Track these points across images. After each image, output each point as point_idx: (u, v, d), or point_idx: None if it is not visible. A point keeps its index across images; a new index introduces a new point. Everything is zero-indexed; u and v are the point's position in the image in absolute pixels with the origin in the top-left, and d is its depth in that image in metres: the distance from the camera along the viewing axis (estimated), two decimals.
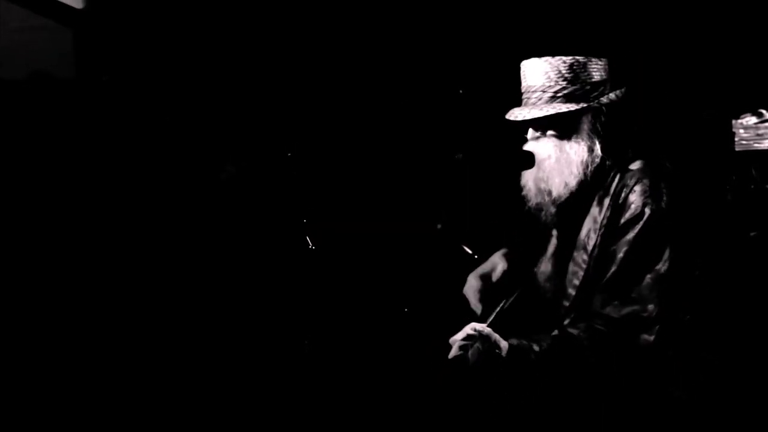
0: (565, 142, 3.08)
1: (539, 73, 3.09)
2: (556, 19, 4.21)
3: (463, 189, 4.10)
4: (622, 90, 3.12)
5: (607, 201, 3.06)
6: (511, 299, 3.16)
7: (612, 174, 3.09)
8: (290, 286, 3.99)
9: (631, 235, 2.98)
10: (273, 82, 4.41)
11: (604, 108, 3.08)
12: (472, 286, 3.28)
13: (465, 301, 3.30)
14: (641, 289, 2.95)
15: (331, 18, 4.39)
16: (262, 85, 4.41)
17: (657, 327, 2.92)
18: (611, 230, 3.02)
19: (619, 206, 3.03)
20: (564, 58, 3.08)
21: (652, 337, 2.91)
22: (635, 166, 3.08)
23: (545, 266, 3.21)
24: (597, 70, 3.10)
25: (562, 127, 3.08)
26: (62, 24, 4.52)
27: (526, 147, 3.14)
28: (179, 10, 4.42)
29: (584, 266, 3.06)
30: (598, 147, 3.08)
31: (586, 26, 4.17)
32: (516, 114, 3.11)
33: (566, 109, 3.04)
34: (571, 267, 3.10)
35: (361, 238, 4.21)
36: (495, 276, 3.29)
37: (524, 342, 2.91)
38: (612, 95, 3.10)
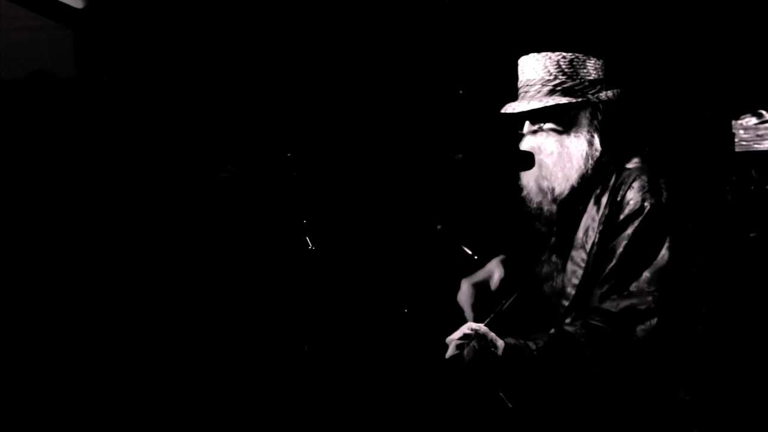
0: (564, 137, 3.08)
1: (539, 67, 3.10)
2: (556, 19, 4.21)
3: (463, 189, 4.10)
4: (617, 91, 3.13)
5: (605, 199, 3.06)
6: (510, 300, 3.16)
7: (610, 172, 3.09)
8: (290, 287, 3.98)
9: (630, 230, 2.98)
10: (273, 81, 4.41)
11: (601, 105, 3.09)
12: (465, 294, 3.26)
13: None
14: (640, 283, 2.94)
15: (331, 18, 4.39)
16: (262, 85, 4.41)
17: (655, 320, 2.91)
18: (610, 228, 3.02)
19: (617, 204, 3.03)
20: (564, 53, 3.10)
21: (649, 331, 2.91)
22: (632, 164, 3.09)
23: (545, 266, 3.21)
24: (595, 69, 3.12)
25: (561, 120, 3.08)
26: (62, 24, 4.52)
27: (525, 142, 3.13)
28: (179, 11, 4.42)
29: (583, 265, 3.06)
30: (597, 141, 3.09)
31: (585, 26, 4.17)
32: (513, 106, 3.11)
33: (566, 101, 3.05)
34: (570, 266, 3.10)
35: (361, 238, 4.21)
36: (493, 284, 3.27)
37: (521, 341, 2.91)
38: (610, 93, 3.11)
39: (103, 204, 4.31)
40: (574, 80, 3.08)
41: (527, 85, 3.12)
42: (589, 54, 3.14)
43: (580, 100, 3.07)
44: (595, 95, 3.09)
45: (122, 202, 4.31)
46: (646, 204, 2.98)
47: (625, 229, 2.98)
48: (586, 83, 3.09)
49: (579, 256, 3.07)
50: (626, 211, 3.00)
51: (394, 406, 3.73)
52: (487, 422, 3.02)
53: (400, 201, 4.26)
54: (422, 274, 4.09)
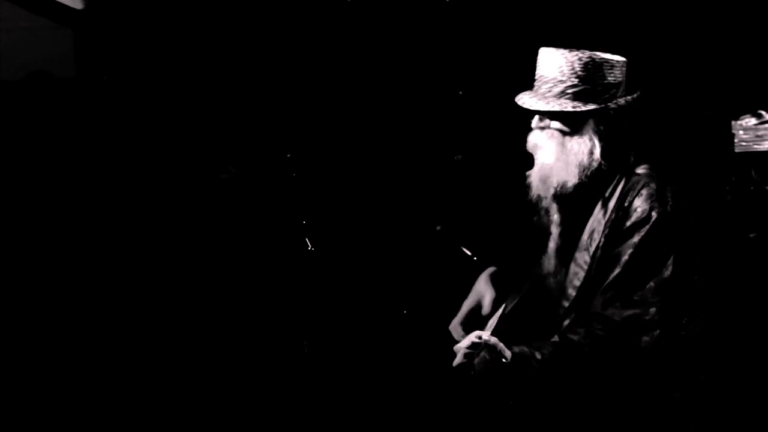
0: (567, 140, 3.06)
1: (553, 65, 3.04)
2: (555, 20, 4.20)
3: (463, 190, 4.10)
4: (635, 95, 3.09)
5: (612, 204, 3.05)
6: (513, 304, 3.16)
7: (617, 178, 3.07)
8: (289, 288, 3.98)
9: (636, 239, 2.97)
10: (272, 82, 4.41)
11: (611, 111, 3.05)
12: (456, 324, 3.24)
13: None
14: (645, 292, 2.93)
15: (331, 19, 4.39)
16: (262, 85, 4.41)
17: (658, 331, 2.91)
18: (616, 233, 3.01)
19: (624, 209, 3.01)
20: (580, 54, 3.02)
21: (652, 341, 2.91)
22: (641, 170, 3.06)
23: (545, 267, 3.20)
24: (612, 72, 3.05)
25: (567, 122, 3.06)
26: (62, 24, 4.52)
27: (532, 136, 3.11)
28: (179, 11, 4.42)
29: (585, 267, 3.05)
30: (598, 151, 3.06)
31: (585, 26, 4.17)
32: (524, 101, 3.08)
33: (572, 109, 3.01)
34: (572, 268, 3.09)
35: (361, 239, 4.21)
36: (485, 309, 3.25)
37: (526, 350, 2.90)
38: (622, 100, 3.06)
39: (103, 204, 4.31)
40: (586, 84, 3.03)
41: (541, 80, 3.09)
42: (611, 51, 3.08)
43: (585, 109, 3.03)
44: (607, 101, 3.05)
45: (122, 203, 4.31)
46: (653, 213, 2.96)
47: (631, 236, 2.97)
48: (599, 88, 3.05)
49: (582, 258, 3.07)
50: (633, 218, 2.98)
51: (393, 406, 3.74)
52: (493, 426, 3.02)
53: (399, 202, 4.26)
54: (422, 275, 4.08)
